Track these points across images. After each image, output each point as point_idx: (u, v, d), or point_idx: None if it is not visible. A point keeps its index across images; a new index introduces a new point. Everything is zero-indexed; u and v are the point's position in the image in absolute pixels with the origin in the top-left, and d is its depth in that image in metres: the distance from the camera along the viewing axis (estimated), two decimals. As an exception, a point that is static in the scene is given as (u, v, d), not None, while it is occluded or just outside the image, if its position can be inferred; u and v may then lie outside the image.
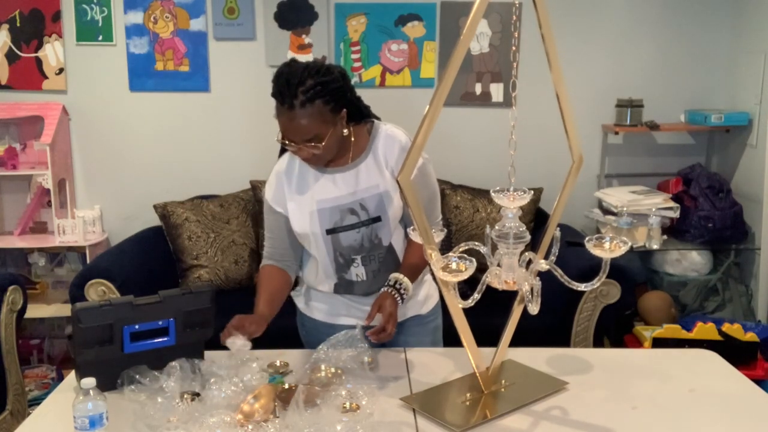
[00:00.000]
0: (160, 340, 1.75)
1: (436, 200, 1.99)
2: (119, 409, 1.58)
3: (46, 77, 3.68)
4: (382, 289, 1.85)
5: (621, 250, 1.42)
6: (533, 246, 1.57)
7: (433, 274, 1.92)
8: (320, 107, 1.73)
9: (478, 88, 3.77)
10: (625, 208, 3.52)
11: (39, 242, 3.62)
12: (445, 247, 2.25)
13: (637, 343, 3.28)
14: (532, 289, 1.44)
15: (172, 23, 3.66)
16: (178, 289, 1.80)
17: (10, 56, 3.65)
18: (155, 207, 3.50)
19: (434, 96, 1.39)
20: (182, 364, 1.66)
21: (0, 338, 2.71)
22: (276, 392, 1.59)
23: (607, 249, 1.42)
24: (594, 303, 3.06)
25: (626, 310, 3.31)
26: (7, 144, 3.61)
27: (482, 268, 1.43)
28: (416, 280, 1.96)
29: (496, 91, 3.77)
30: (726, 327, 3.10)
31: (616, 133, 3.74)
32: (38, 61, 3.66)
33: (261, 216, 2.06)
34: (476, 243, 1.48)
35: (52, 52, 3.66)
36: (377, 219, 1.89)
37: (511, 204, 1.41)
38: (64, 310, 3.57)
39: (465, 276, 1.40)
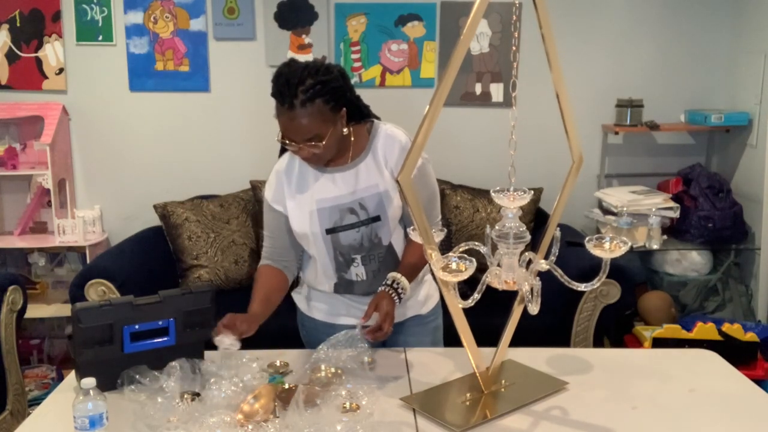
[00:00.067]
0: (160, 340, 1.75)
1: (435, 200, 1.99)
2: (119, 409, 1.58)
3: (46, 77, 3.68)
4: (380, 289, 1.85)
5: (621, 250, 1.42)
6: (533, 246, 1.57)
7: (433, 274, 1.92)
8: (320, 106, 1.73)
9: (478, 88, 3.77)
10: (625, 208, 3.51)
11: (39, 242, 3.62)
12: (445, 247, 2.25)
13: (637, 343, 3.28)
14: (532, 289, 1.44)
15: (172, 23, 3.66)
16: (178, 289, 1.80)
17: (10, 56, 3.65)
18: (155, 207, 3.50)
19: (434, 96, 1.39)
20: (182, 364, 1.66)
21: (0, 338, 2.71)
22: (276, 392, 1.59)
23: (607, 249, 1.42)
24: (594, 303, 3.05)
25: (626, 310, 3.31)
26: (7, 144, 3.61)
27: (482, 268, 1.43)
28: (415, 280, 1.96)
29: (496, 91, 3.77)
30: (726, 327, 3.10)
31: (616, 133, 3.74)
32: (38, 61, 3.66)
33: (261, 216, 2.06)
34: (476, 243, 1.48)
35: (52, 52, 3.66)
36: (377, 218, 1.89)
37: (511, 204, 1.41)
38: (64, 310, 3.57)
39: (465, 276, 1.40)
